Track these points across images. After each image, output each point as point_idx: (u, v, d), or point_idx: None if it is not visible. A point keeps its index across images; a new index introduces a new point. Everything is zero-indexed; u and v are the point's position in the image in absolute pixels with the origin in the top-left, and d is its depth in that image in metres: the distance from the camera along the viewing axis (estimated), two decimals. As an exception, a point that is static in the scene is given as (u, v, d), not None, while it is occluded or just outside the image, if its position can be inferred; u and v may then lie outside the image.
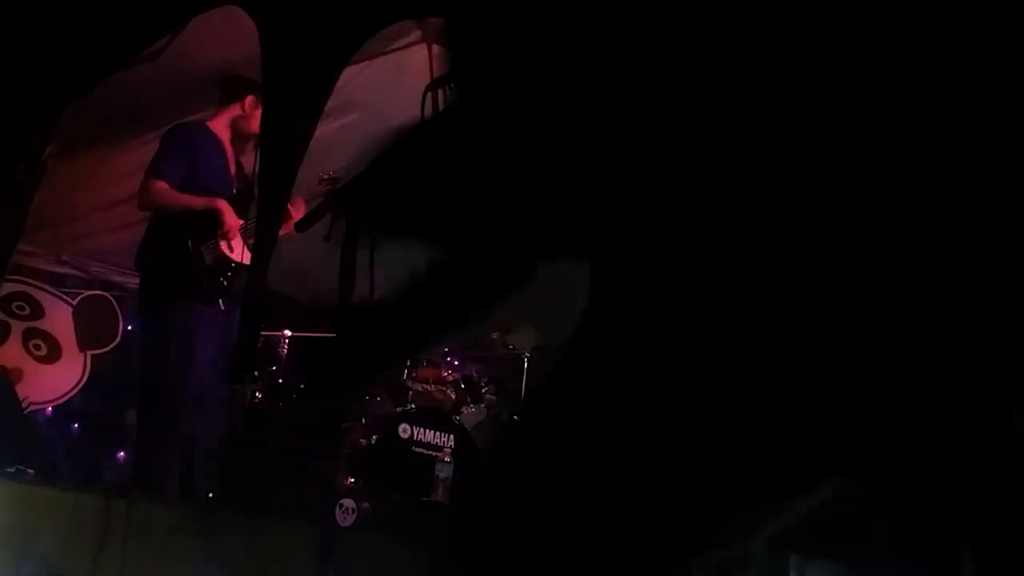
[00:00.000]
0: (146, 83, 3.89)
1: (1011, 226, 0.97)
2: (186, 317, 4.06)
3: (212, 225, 4.12)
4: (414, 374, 5.39)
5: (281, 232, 3.94)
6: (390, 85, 4.84)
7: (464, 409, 5.47)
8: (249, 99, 4.26)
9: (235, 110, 4.33)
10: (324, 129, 4.63)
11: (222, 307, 4.16)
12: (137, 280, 4.48)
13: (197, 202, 4.13)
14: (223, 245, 4.15)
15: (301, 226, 2.55)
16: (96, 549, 2.86)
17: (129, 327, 5.72)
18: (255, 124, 4.28)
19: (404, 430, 4.93)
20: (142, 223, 4.38)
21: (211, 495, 4.27)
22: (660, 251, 1.06)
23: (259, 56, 3.70)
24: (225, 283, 4.15)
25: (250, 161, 4.36)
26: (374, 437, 4.92)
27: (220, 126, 4.36)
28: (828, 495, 1.17)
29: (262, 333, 4.77)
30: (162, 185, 4.11)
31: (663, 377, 1.06)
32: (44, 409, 5.60)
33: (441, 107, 1.28)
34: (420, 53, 4.95)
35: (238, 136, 4.37)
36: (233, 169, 4.39)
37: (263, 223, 3.91)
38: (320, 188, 4.25)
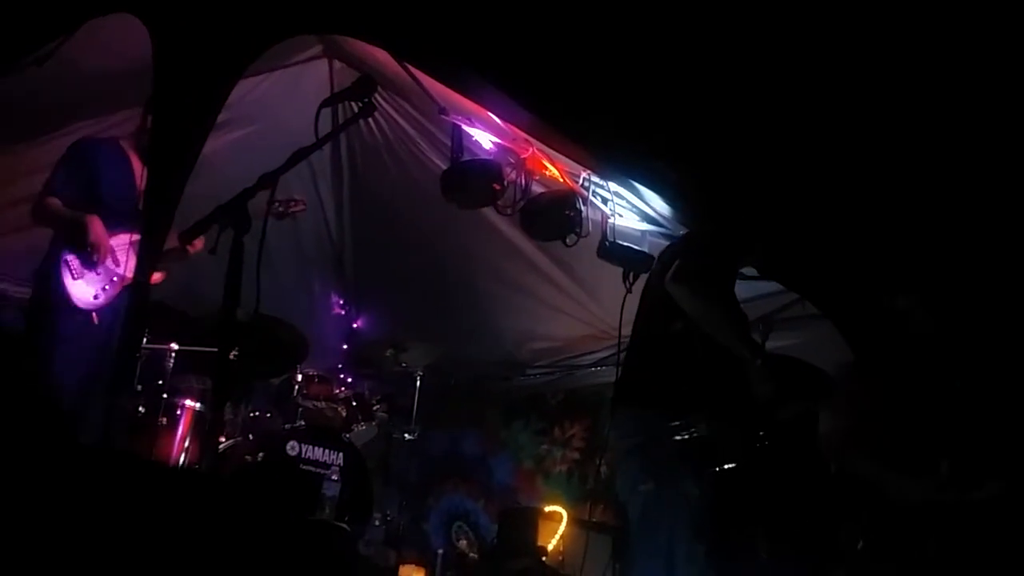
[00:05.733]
0: (35, 87, 3.76)
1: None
2: (54, 327, 3.96)
3: (80, 238, 4.04)
4: (304, 391, 5.33)
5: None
6: (288, 99, 4.80)
7: (355, 427, 5.43)
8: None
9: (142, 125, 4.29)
10: (217, 142, 4.56)
11: (95, 320, 4.06)
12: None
13: (74, 217, 4.06)
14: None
15: (185, 237, 2.53)
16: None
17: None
18: None
19: (292, 447, 4.86)
20: (29, 229, 4.31)
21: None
22: None
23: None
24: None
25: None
26: (260, 454, 4.84)
27: (130, 141, 4.32)
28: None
29: (148, 346, 4.66)
30: (53, 201, 4.08)
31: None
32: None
33: (341, 121, 1.29)
34: (320, 67, 4.92)
35: (143, 150, 4.30)
36: (141, 184, 4.30)
37: (147, 237, 3.82)
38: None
